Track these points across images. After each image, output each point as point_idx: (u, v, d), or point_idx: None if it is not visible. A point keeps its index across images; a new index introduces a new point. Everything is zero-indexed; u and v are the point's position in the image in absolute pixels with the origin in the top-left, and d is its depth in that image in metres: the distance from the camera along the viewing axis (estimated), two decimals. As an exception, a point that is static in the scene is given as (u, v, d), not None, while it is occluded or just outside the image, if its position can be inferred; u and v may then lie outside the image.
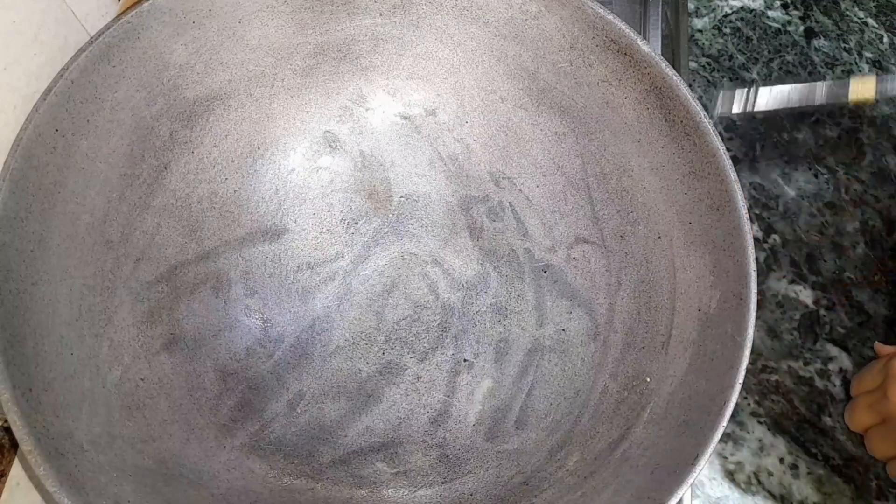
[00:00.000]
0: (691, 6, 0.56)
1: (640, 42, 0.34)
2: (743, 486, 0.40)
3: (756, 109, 0.51)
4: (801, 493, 0.39)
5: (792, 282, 0.45)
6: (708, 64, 0.52)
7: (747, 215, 0.32)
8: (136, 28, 0.33)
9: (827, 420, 0.41)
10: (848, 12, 0.55)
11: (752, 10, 0.55)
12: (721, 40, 0.53)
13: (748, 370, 0.38)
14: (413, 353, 0.38)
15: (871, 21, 0.55)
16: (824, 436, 0.41)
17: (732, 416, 0.29)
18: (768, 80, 0.52)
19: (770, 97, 0.51)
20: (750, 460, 0.40)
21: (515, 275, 0.39)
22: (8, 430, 0.34)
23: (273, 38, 0.37)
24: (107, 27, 0.32)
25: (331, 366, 0.38)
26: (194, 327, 0.36)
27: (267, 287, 0.38)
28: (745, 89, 0.52)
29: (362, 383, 0.37)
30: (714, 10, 0.55)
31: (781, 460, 0.40)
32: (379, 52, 0.39)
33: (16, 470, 0.35)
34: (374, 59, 0.39)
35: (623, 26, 0.34)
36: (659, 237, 0.36)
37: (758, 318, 0.31)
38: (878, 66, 0.53)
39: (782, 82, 0.52)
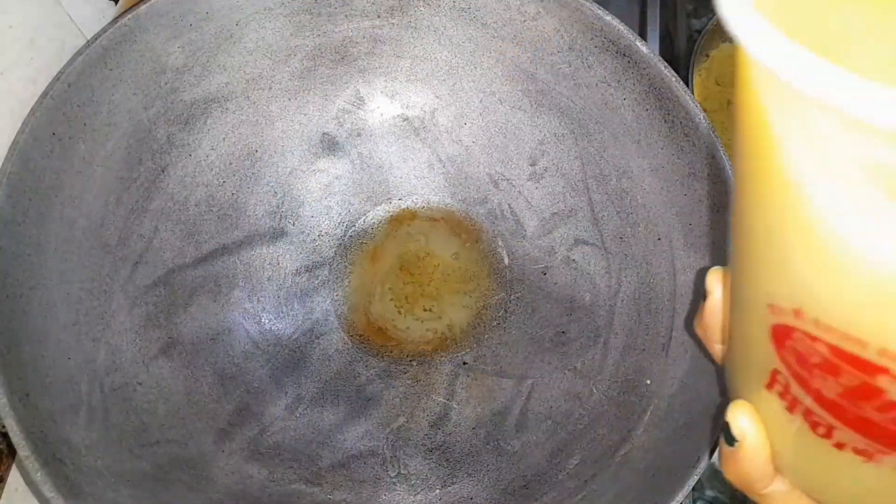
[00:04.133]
0: (689, 6, 0.56)
1: (639, 43, 0.34)
2: (744, 487, 0.39)
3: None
4: (803, 494, 0.39)
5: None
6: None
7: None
8: (133, 31, 0.33)
9: (828, 421, 0.41)
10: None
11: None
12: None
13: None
14: (412, 356, 0.38)
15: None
16: (826, 437, 0.40)
17: (733, 418, 0.29)
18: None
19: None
20: (751, 462, 0.40)
21: (515, 277, 0.39)
22: (5, 435, 0.34)
23: (270, 41, 0.37)
24: (103, 30, 0.32)
25: (329, 369, 0.38)
26: (192, 331, 0.36)
27: (265, 290, 0.38)
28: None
29: (361, 387, 0.37)
30: (712, 11, 0.55)
31: (783, 462, 0.40)
32: (377, 54, 0.39)
33: (14, 475, 0.35)
34: (372, 61, 0.39)
35: (622, 27, 0.34)
36: (659, 239, 0.35)
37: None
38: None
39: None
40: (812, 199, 0.13)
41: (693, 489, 0.28)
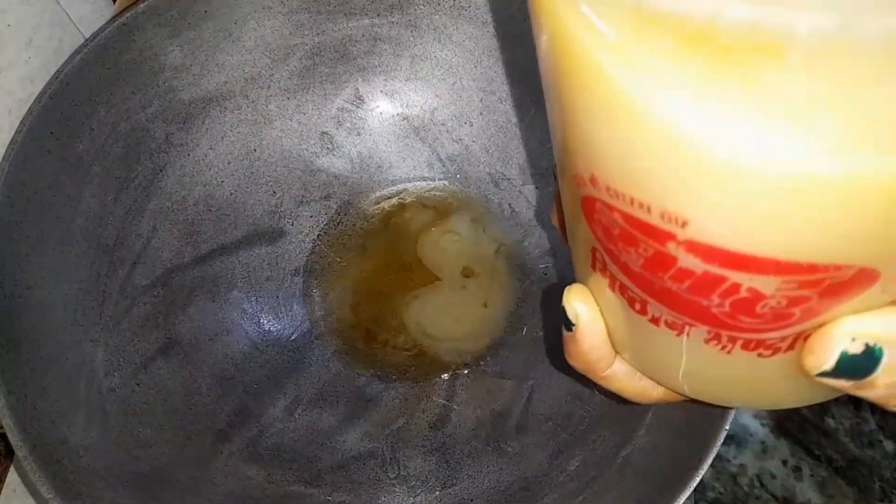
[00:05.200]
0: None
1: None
2: (746, 488, 0.39)
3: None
4: (805, 495, 0.39)
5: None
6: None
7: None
8: (131, 30, 0.33)
9: (830, 421, 0.41)
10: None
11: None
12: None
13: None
14: (412, 356, 0.38)
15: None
16: (827, 437, 0.40)
17: (735, 418, 0.29)
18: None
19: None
20: (753, 463, 0.40)
21: (516, 277, 0.39)
22: (3, 436, 0.34)
23: (269, 40, 0.37)
24: (102, 29, 0.32)
25: (329, 370, 0.37)
26: (191, 332, 0.35)
27: (264, 290, 0.38)
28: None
29: (360, 388, 0.37)
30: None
31: (784, 462, 0.40)
32: (376, 53, 0.38)
33: (12, 476, 0.35)
34: (371, 60, 0.39)
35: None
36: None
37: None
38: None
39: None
40: (581, 40, 0.12)
41: (694, 490, 0.28)
